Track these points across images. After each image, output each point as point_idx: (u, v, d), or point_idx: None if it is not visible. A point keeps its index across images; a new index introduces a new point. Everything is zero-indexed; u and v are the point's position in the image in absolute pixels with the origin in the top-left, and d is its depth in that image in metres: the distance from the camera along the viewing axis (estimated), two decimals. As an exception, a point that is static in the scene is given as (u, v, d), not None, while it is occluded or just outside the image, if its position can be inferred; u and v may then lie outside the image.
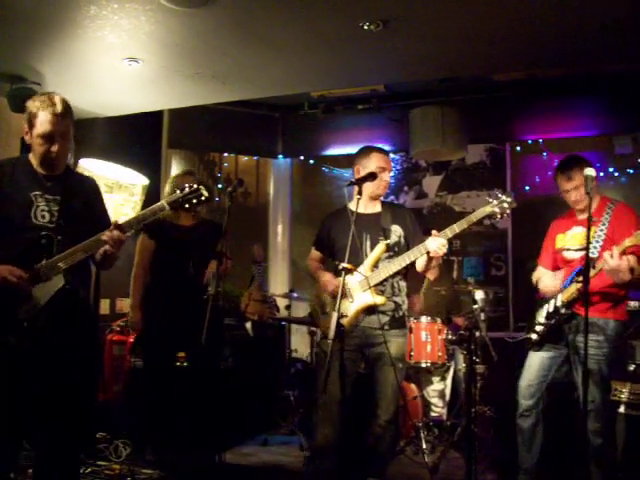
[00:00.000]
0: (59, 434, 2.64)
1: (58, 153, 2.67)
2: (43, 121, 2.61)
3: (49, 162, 2.69)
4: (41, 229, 2.63)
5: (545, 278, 3.62)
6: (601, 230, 3.45)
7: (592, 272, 3.28)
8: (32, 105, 2.66)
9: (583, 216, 3.57)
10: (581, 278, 3.20)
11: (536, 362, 3.55)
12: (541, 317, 3.54)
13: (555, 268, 3.70)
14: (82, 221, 2.74)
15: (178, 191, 2.78)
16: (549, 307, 3.51)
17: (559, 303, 3.45)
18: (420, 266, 3.48)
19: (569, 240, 3.61)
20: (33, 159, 2.73)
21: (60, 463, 2.66)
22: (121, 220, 2.72)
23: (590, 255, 3.39)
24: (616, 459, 3.49)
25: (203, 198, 2.76)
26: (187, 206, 2.76)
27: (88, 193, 2.89)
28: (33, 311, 2.55)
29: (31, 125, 2.65)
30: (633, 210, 3.53)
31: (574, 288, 3.38)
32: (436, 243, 3.24)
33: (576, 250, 3.55)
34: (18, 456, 2.91)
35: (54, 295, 2.59)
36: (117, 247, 2.67)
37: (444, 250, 3.25)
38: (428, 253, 3.30)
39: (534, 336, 3.53)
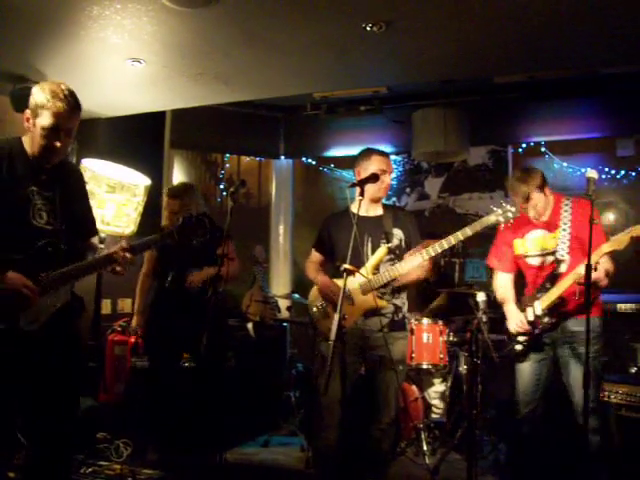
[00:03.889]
0: (49, 431, 2.61)
1: (60, 149, 2.57)
2: (52, 114, 2.48)
3: (47, 156, 2.59)
4: (40, 231, 2.56)
5: (512, 315, 3.54)
6: (564, 230, 3.43)
7: (568, 282, 3.31)
8: (40, 94, 2.51)
9: (542, 219, 3.55)
10: (561, 286, 3.31)
11: (526, 370, 3.53)
12: None
13: (517, 271, 3.70)
14: (76, 220, 2.71)
15: (186, 219, 2.86)
16: (528, 316, 3.47)
17: (539, 312, 3.41)
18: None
19: (530, 246, 3.58)
20: (28, 146, 2.60)
21: (52, 461, 2.64)
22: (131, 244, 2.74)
23: (559, 257, 3.42)
24: (617, 455, 3.49)
25: (206, 229, 2.91)
26: (191, 235, 2.88)
27: (78, 187, 2.84)
28: (36, 322, 2.51)
29: (36, 114, 2.52)
30: (590, 203, 3.50)
31: (554, 296, 3.37)
32: (406, 267, 3.34)
33: (538, 255, 3.54)
34: (14, 456, 2.91)
35: (59, 308, 2.57)
36: (127, 268, 2.68)
37: (418, 273, 3.41)
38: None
39: (518, 347, 3.50)
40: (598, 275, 3.16)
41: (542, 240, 3.52)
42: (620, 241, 3.15)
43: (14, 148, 2.60)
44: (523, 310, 3.50)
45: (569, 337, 3.41)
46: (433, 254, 3.29)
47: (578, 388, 3.33)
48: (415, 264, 3.33)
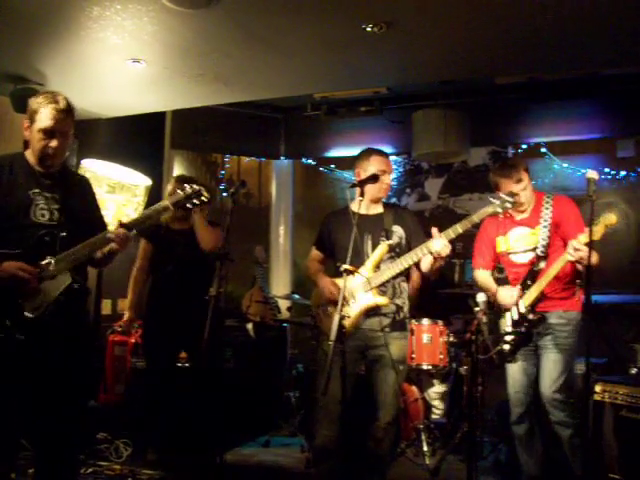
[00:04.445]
0: (58, 431, 2.64)
1: (56, 150, 2.66)
2: (45, 116, 2.61)
3: (46, 158, 2.68)
4: (41, 227, 2.63)
5: (502, 292, 3.55)
6: (544, 227, 3.47)
7: (553, 272, 3.35)
8: (35, 101, 2.66)
9: (523, 216, 3.59)
10: (542, 282, 3.35)
11: (515, 369, 3.54)
12: (507, 326, 3.50)
13: (493, 268, 3.74)
14: (81, 219, 2.76)
15: (180, 191, 2.83)
16: (512, 315, 3.48)
17: (523, 310, 3.43)
18: (425, 267, 3.47)
19: (514, 243, 3.59)
20: (30, 156, 2.72)
21: (59, 461, 2.66)
22: (125, 220, 2.76)
23: (539, 254, 3.46)
24: (593, 446, 3.51)
25: (204, 199, 2.84)
26: (189, 206, 2.84)
27: (84, 192, 2.92)
28: (40, 308, 2.56)
29: (32, 120, 2.65)
30: (571, 200, 3.55)
31: (536, 292, 3.40)
32: (440, 243, 3.23)
33: (524, 252, 3.55)
34: (17, 456, 2.91)
35: (62, 292, 2.61)
36: (124, 245, 2.73)
37: (447, 251, 3.24)
38: (432, 253, 3.30)
39: (507, 347, 3.49)
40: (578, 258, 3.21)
41: (527, 237, 3.55)
42: (595, 231, 3.15)
43: (16, 160, 2.73)
44: (507, 310, 3.52)
45: (549, 329, 3.45)
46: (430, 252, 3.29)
47: (546, 372, 3.41)
48: (412, 262, 3.34)
